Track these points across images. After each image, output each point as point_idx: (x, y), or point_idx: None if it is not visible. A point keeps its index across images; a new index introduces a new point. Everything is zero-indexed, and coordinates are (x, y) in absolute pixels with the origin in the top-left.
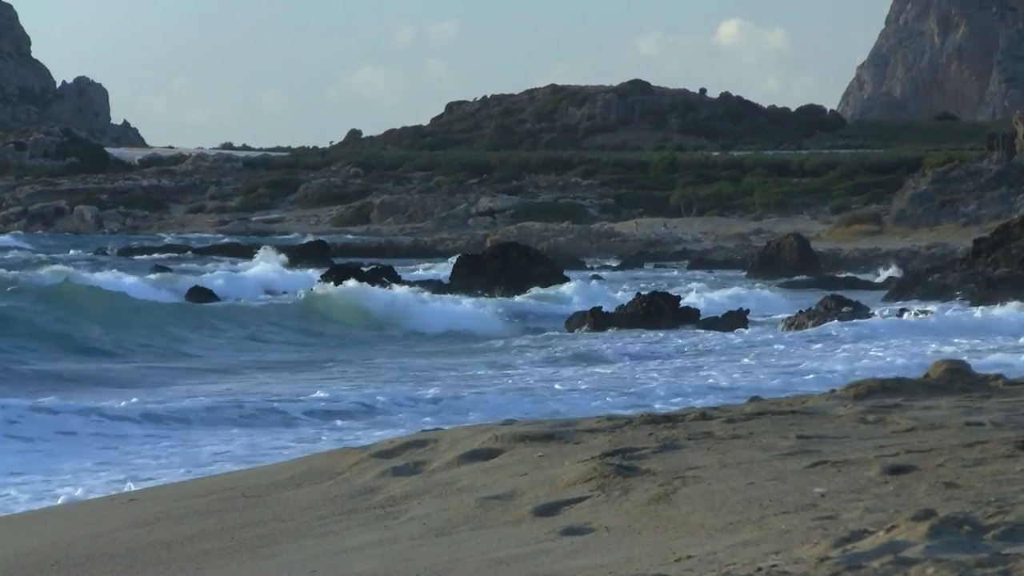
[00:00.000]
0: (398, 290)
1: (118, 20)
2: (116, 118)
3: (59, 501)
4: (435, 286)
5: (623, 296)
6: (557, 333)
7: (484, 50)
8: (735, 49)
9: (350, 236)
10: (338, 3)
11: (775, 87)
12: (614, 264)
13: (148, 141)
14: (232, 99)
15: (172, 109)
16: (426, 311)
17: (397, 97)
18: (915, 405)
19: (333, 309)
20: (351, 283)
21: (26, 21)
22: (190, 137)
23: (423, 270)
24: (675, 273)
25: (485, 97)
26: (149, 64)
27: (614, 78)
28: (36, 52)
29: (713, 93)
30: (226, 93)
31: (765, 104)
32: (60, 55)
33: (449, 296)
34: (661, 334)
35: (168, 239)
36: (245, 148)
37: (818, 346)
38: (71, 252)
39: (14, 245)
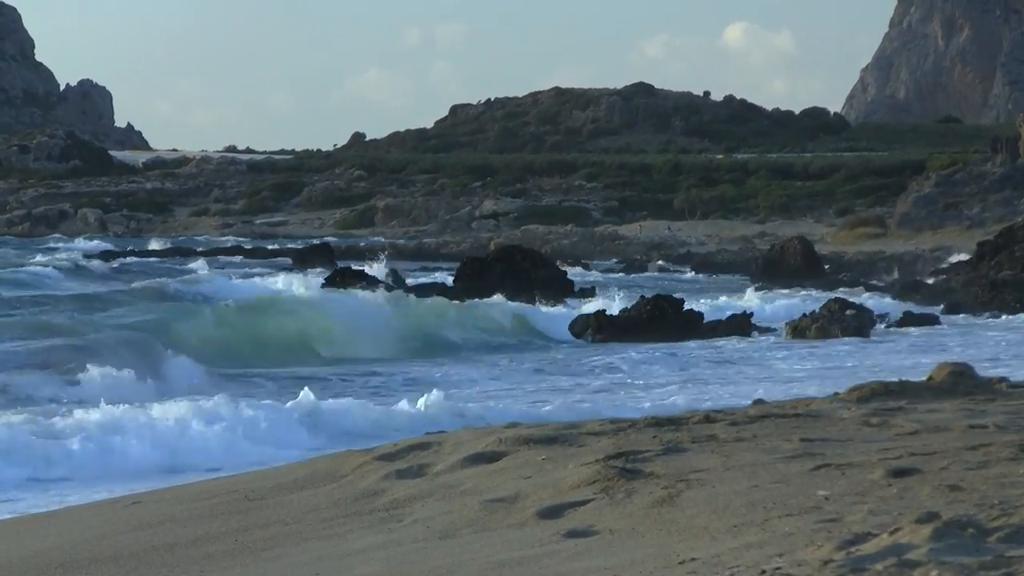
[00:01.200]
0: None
1: (122, 23)
2: (120, 121)
3: None
4: (439, 289)
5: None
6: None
7: (491, 53)
8: (741, 52)
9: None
10: (343, 5)
11: (781, 90)
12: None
13: (153, 144)
14: (237, 102)
15: (177, 112)
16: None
17: (403, 99)
18: (919, 408)
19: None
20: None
21: (30, 24)
22: (195, 140)
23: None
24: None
25: (489, 100)
26: (153, 67)
27: (620, 81)
28: (40, 55)
29: (718, 96)
30: (231, 96)
31: (771, 107)
32: (64, 58)
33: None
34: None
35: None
36: (249, 151)
37: (821, 349)
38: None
39: (102, 249)
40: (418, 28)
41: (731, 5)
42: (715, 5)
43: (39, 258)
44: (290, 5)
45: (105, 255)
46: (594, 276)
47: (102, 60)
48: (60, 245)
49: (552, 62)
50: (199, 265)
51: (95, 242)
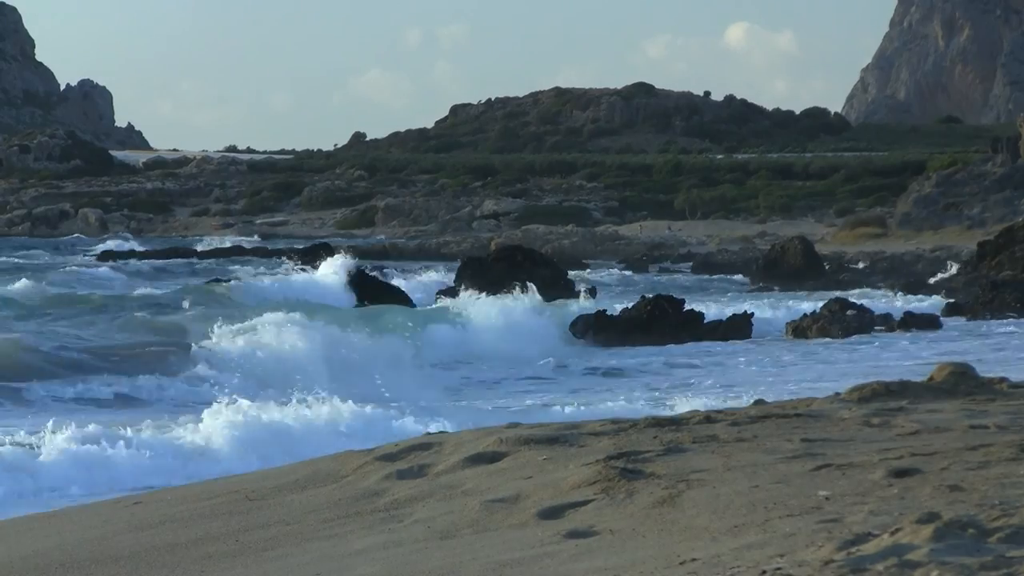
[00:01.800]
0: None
1: (123, 23)
2: (121, 121)
3: None
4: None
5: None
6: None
7: (493, 53)
8: (743, 52)
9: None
10: (345, 6)
11: (783, 90)
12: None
13: (155, 144)
14: (239, 102)
15: (179, 112)
16: None
17: (405, 100)
18: (919, 408)
19: None
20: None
21: (31, 24)
22: (197, 140)
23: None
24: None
25: (489, 100)
26: (155, 67)
27: (622, 81)
28: (40, 55)
29: (719, 96)
30: (233, 96)
31: (773, 107)
32: (65, 58)
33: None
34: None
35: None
36: (249, 151)
37: (822, 349)
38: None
39: (128, 247)
40: (420, 29)
41: (732, 5)
42: (717, 5)
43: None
44: (292, 6)
45: (105, 255)
46: (596, 276)
47: (102, 60)
48: (101, 247)
49: (554, 62)
50: (245, 270)
51: (116, 242)
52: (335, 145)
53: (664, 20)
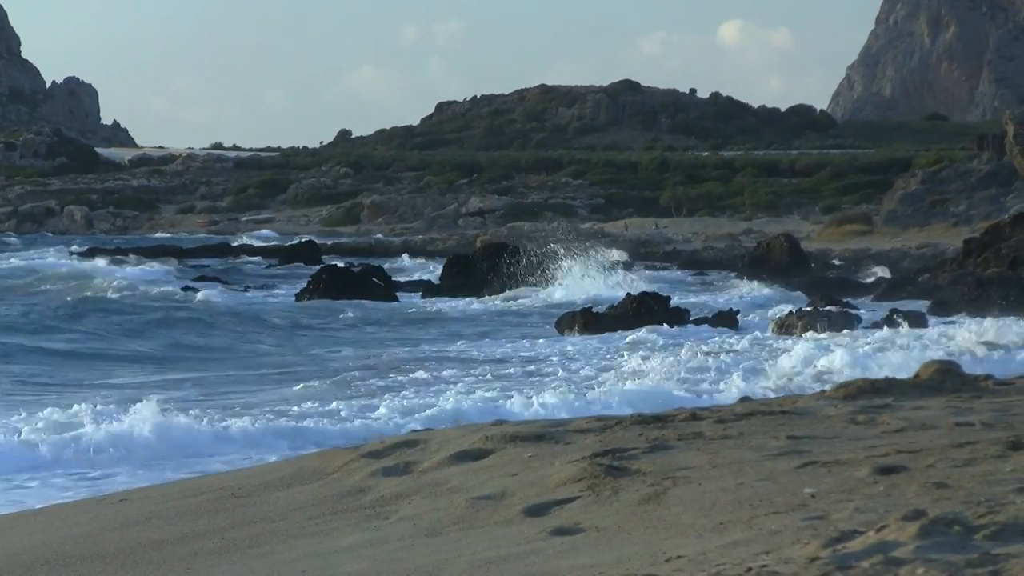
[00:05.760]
0: None
1: (110, 21)
2: (108, 118)
3: None
4: (425, 287)
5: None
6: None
7: (488, 51)
8: (737, 49)
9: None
10: (339, 3)
11: (777, 87)
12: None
13: (141, 142)
14: (232, 99)
15: (167, 110)
16: None
17: (398, 97)
18: (905, 405)
19: None
20: None
21: (16, 21)
22: (184, 138)
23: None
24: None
25: (475, 97)
26: (144, 65)
27: (615, 78)
28: (26, 52)
29: (705, 93)
30: (226, 93)
31: (769, 105)
32: (51, 55)
33: None
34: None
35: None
36: (236, 148)
37: (805, 346)
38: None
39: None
40: (416, 25)
41: (726, 2)
42: (710, 3)
43: None
44: (286, 2)
45: (90, 251)
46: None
47: (88, 58)
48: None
49: (547, 60)
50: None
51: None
52: (321, 142)
53: (659, 17)
